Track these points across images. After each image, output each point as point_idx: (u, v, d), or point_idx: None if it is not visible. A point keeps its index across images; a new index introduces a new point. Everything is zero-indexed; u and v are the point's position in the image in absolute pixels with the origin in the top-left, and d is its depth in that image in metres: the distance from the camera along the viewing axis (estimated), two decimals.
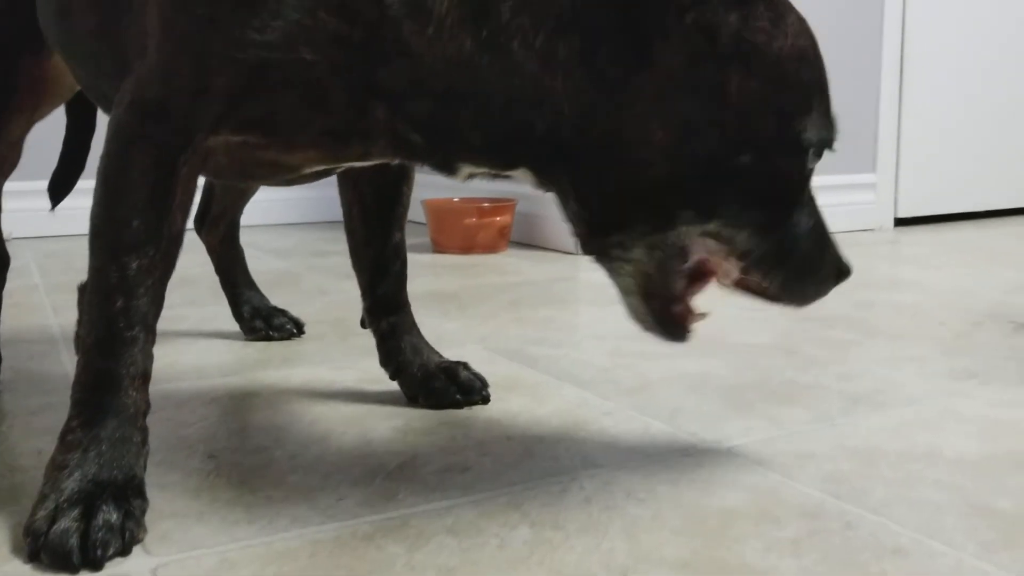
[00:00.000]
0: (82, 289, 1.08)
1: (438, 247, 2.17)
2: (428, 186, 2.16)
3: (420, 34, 0.67)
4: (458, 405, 0.96)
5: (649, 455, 0.83)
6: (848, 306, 1.47)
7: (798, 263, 0.73)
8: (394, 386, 1.00)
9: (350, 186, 0.98)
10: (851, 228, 2.47)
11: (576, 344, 1.25)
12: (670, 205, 0.69)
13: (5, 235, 1.14)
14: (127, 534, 0.64)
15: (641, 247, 0.71)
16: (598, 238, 0.72)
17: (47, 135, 1.24)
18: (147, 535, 0.66)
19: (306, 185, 0.91)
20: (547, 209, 2.14)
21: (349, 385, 1.05)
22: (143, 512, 0.67)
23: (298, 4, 0.67)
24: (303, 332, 1.29)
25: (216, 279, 1.32)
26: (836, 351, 1.20)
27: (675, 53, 0.66)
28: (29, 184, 1.39)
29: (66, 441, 0.69)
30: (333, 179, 0.96)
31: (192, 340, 1.27)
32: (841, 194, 2.43)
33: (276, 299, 1.34)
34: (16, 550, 0.65)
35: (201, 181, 0.84)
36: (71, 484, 0.66)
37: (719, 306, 0.79)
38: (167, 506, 0.72)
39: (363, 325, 1.02)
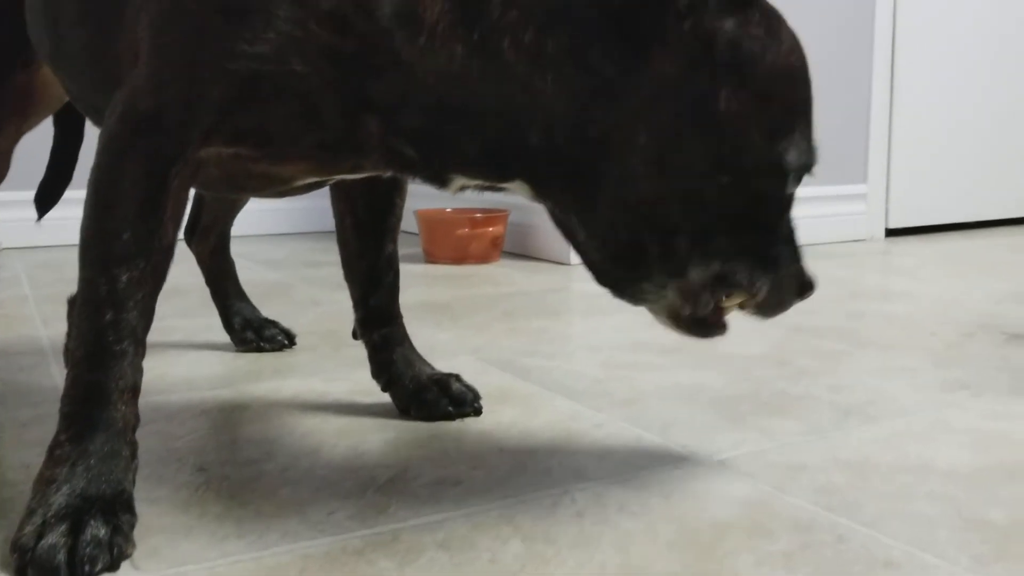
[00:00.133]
0: (72, 302, 1.07)
1: (430, 257, 2.16)
2: (421, 196, 2.15)
3: (412, 44, 0.67)
4: (450, 417, 0.96)
5: (641, 468, 0.83)
6: (840, 316, 1.47)
7: (779, 280, 0.74)
8: (386, 398, 1.00)
9: (343, 197, 0.98)
10: (842, 238, 2.48)
11: (569, 355, 1.25)
12: (665, 229, 0.69)
13: None
14: (115, 549, 0.64)
15: (666, 292, 0.72)
16: (621, 283, 0.73)
17: (37, 145, 1.24)
18: (135, 550, 0.66)
19: (298, 195, 0.91)
20: (540, 219, 2.14)
21: (341, 397, 1.05)
22: (131, 527, 0.66)
23: (289, 16, 0.67)
24: (295, 343, 1.28)
25: (207, 290, 1.31)
26: (828, 362, 1.20)
27: (671, 59, 0.66)
28: (19, 194, 1.39)
29: (54, 455, 0.68)
30: (326, 189, 0.96)
31: (183, 352, 1.27)
32: (832, 205, 2.44)
33: (268, 310, 1.34)
34: (3, 565, 0.64)
35: (191, 192, 0.84)
36: (59, 499, 0.65)
37: None
38: (156, 520, 0.71)
39: (355, 337, 1.02)
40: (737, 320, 0.78)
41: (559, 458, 0.85)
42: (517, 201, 2.30)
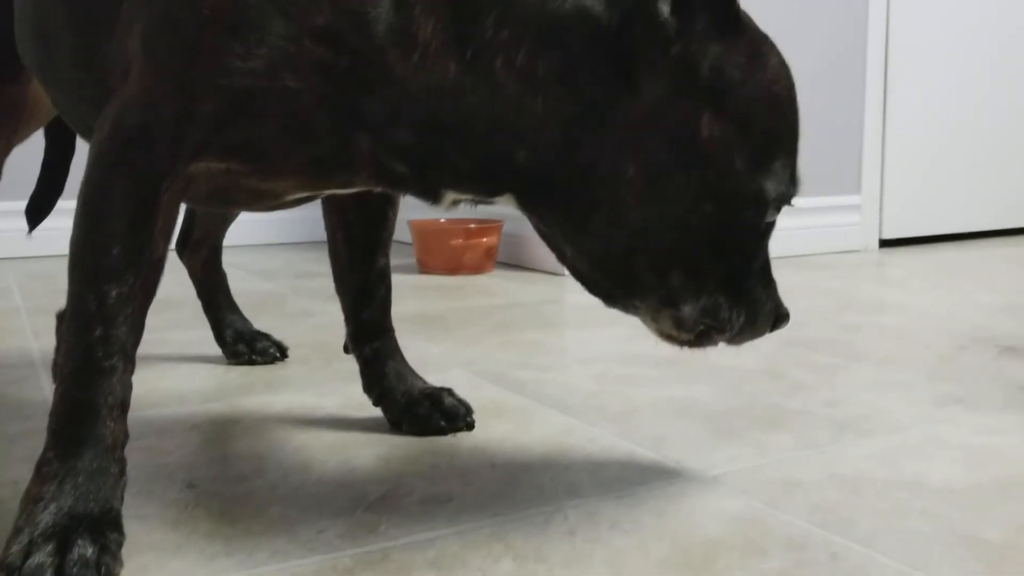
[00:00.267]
0: (61, 316, 1.07)
1: (424, 268, 2.16)
2: (414, 207, 2.15)
3: (405, 61, 0.67)
4: (442, 432, 0.95)
5: (634, 484, 0.82)
6: (833, 329, 1.47)
7: (749, 312, 0.74)
8: (378, 412, 0.99)
9: (335, 211, 0.98)
10: (836, 249, 2.48)
11: (562, 368, 1.25)
12: (649, 252, 0.69)
13: None
14: (103, 568, 0.63)
15: (659, 317, 0.74)
16: (612, 294, 0.74)
17: (28, 157, 1.23)
18: (124, 569, 0.65)
19: (289, 209, 0.90)
20: (534, 230, 2.14)
21: (332, 411, 1.04)
22: (119, 546, 0.66)
23: (283, 32, 0.66)
24: (286, 356, 1.28)
25: (199, 302, 1.30)
26: (822, 375, 1.20)
27: (657, 86, 0.66)
28: (10, 204, 1.38)
29: (42, 473, 0.67)
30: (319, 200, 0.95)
31: (174, 364, 1.26)
32: (826, 215, 2.44)
33: (260, 322, 1.33)
34: None
35: (183, 205, 0.84)
36: (46, 517, 0.65)
37: None
38: (144, 538, 0.71)
39: (346, 350, 1.01)
40: None
41: (552, 474, 0.84)
42: (511, 212, 2.30)
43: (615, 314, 0.79)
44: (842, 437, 0.95)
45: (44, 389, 1.12)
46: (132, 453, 0.72)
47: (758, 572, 0.65)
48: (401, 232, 1.86)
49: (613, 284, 0.73)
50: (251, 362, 1.25)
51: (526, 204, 0.72)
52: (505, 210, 0.78)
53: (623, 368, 1.21)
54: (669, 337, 0.77)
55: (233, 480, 0.83)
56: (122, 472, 0.70)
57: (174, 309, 1.58)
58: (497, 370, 1.22)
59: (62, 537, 0.63)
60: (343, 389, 1.11)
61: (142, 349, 0.72)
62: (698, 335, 0.76)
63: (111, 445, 0.69)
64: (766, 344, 1.30)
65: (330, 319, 1.53)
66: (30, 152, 1.20)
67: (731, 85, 0.67)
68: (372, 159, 0.71)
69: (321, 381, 1.17)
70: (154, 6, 0.70)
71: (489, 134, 0.68)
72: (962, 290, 1.89)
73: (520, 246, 2.22)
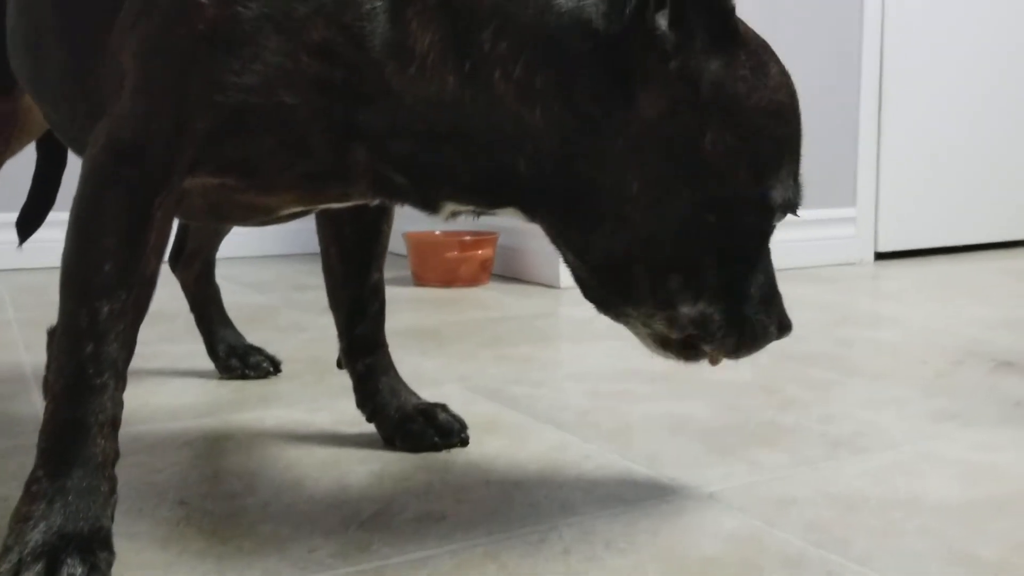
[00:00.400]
0: (52, 332, 1.06)
1: (419, 280, 2.16)
2: (409, 218, 2.15)
3: (402, 74, 0.67)
4: (436, 448, 0.95)
5: (629, 502, 0.82)
6: (829, 343, 1.47)
7: (752, 323, 0.74)
8: (371, 428, 0.99)
9: (328, 225, 0.97)
10: (831, 262, 2.48)
11: (557, 383, 1.24)
12: (651, 263, 0.69)
13: None
14: None
15: (652, 321, 0.73)
16: (607, 301, 0.74)
17: (19, 169, 1.22)
18: None
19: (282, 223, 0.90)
20: (529, 242, 2.14)
21: (325, 427, 1.03)
22: (109, 565, 0.65)
23: (278, 47, 0.66)
24: (280, 371, 1.27)
25: (191, 315, 1.30)
26: (817, 391, 1.19)
27: (656, 101, 0.66)
28: (2, 216, 1.38)
29: (31, 491, 0.67)
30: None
31: (166, 379, 1.25)
32: (821, 228, 2.44)
33: (253, 335, 1.33)
34: None
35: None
36: (35, 536, 0.64)
37: None
38: (135, 557, 0.70)
39: (339, 366, 1.01)
40: None
41: (546, 491, 0.84)
42: (507, 224, 2.30)
43: (610, 328, 0.78)
44: (837, 454, 0.95)
45: (35, 404, 1.11)
46: (123, 469, 0.72)
47: None
48: (396, 244, 1.85)
49: (610, 291, 0.73)
50: (244, 377, 1.24)
51: (528, 214, 0.72)
52: (501, 222, 0.78)
53: (617, 383, 1.21)
54: (661, 344, 0.76)
55: (225, 498, 0.82)
56: (112, 490, 0.69)
57: (166, 322, 1.57)
58: (492, 385, 1.22)
59: (51, 556, 0.63)
60: (336, 404, 1.10)
61: (133, 363, 0.71)
62: (694, 349, 0.76)
63: (101, 463, 0.68)
64: (761, 358, 1.29)
65: (323, 333, 1.52)
66: (21, 164, 1.19)
67: (733, 97, 0.67)
68: (370, 170, 0.71)
69: (314, 396, 1.16)
70: (148, 21, 0.70)
71: (488, 146, 0.68)
72: (957, 303, 1.89)
73: (515, 258, 2.22)
